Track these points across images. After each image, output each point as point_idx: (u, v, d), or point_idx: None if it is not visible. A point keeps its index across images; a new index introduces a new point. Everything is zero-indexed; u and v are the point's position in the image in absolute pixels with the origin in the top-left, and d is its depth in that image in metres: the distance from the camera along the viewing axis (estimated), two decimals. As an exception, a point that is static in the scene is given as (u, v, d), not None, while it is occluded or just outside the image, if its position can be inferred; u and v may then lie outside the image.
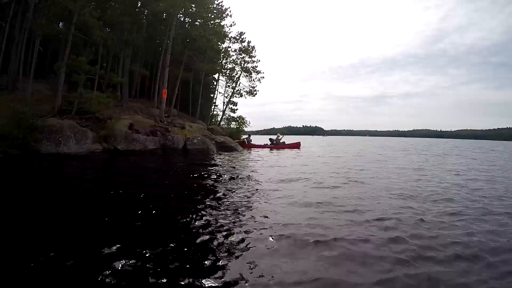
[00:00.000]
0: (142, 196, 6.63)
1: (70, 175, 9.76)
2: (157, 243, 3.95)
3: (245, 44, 33.47)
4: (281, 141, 29.69)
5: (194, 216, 5.19)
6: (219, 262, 3.53)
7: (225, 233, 4.47)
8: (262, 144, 29.44)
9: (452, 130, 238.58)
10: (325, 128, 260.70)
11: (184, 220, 5.05)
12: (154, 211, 5.48)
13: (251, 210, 5.87)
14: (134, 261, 3.39)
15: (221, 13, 29.01)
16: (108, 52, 22.85)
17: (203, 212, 5.49)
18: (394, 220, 5.31)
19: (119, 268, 3.22)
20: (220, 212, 5.54)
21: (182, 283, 3.02)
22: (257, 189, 7.79)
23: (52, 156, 13.40)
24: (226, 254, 3.79)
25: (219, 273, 3.26)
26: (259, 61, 34.26)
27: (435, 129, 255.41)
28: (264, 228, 4.70)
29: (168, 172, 11.20)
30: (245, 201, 6.51)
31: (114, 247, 3.73)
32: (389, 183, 9.28)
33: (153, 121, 19.49)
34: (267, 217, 5.31)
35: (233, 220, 5.09)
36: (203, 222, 4.95)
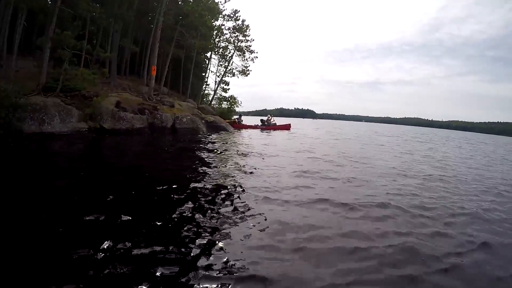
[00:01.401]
0: (120, 180, 6.44)
1: (49, 156, 9.58)
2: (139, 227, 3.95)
3: (239, 22, 32.67)
4: (272, 122, 29.86)
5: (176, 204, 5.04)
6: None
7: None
8: (253, 124, 29.88)
9: (443, 120, 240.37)
10: (317, 112, 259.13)
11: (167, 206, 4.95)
12: (139, 199, 5.34)
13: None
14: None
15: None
16: (98, 28, 22.14)
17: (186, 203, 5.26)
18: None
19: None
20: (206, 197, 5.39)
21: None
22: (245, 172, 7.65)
23: (35, 135, 12.94)
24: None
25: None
26: (253, 40, 33.62)
27: (426, 118, 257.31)
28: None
29: (151, 154, 10.97)
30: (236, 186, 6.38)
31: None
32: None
33: (141, 99, 19.03)
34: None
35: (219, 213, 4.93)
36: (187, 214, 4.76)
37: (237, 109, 33.73)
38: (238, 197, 5.69)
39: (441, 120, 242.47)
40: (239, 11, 32.49)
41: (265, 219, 4.66)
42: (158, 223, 4.22)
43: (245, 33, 32.96)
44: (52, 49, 16.09)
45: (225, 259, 3.37)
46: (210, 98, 35.32)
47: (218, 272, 3.13)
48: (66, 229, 3.90)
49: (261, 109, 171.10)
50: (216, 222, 4.41)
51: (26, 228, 3.86)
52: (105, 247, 3.41)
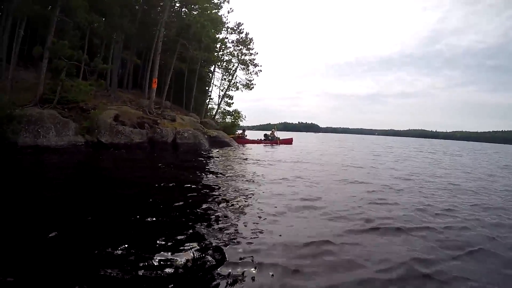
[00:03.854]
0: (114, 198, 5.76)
1: (40, 171, 8.97)
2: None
3: (243, 35, 32.45)
4: (275, 136, 30.03)
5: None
6: None
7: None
8: (257, 139, 29.64)
9: (448, 131, 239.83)
10: (321, 125, 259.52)
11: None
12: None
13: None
14: None
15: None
16: (102, 40, 21.73)
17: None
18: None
19: None
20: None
21: None
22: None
23: (30, 148, 12.35)
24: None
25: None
26: (257, 53, 33.18)
27: (430, 130, 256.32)
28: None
29: (146, 172, 10.19)
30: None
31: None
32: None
33: (141, 112, 18.35)
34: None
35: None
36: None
37: (241, 124, 33.27)
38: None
39: (445, 131, 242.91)
40: (242, 23, 32.33)
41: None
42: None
43: (249, 46, 32.68)
44: (51, 59, 15.58)
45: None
46: (214, 112, 34.74)
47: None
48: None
49: (265, 123, 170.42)
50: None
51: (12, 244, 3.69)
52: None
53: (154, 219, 4.80)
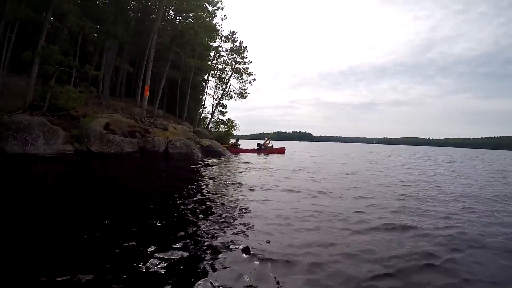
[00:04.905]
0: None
1: (24, 181, 8.60)
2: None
3: (236, 44, 32.49)
4: (269, 145, 30.06)
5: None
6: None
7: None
8: (250, 148, 29.51)
9: (440, 138, 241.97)
10: (314, 134, 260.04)
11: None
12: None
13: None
14: None
15: (213, 4, 28.03)
16: (96, 47, 21.50)
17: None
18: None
19: None
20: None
21: None
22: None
23: (17, 156, 12.06)
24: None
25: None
26: (251, 62, 33.19)
27: (423, 137, 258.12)
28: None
29: (139, 183, 9.92)
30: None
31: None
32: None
33: (132, 121, 18.05)
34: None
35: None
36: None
37: (235, 133, 33.14)
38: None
39: (438, 138, 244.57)
40: (236, 32, 32.38)
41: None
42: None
43: (242, 55, 32.68)
44: (42, 65, 15.30)
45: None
46: (207, 122, 34.50)
47: None
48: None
49: (259, 132, 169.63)
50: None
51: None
52: None
53: (143, 231, 4.65)
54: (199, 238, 4.41)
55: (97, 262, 3.47)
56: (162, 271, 3.30)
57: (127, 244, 4.00)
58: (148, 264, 3.44)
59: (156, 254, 3.71)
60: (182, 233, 4.55)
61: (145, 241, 4.12)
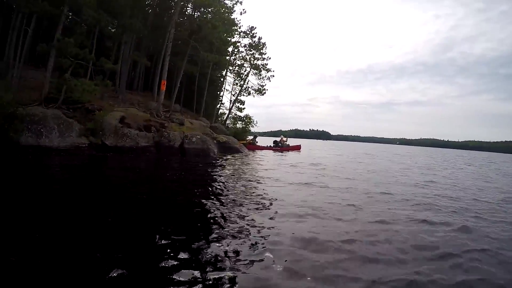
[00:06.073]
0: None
1: (36, 174, 8.35)
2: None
3: (255, 39, 31.81)
4: (285, 143, 30.42)
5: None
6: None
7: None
8: (267, 145, 29.61)
9: (459, 140, 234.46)
10: (332, 133, 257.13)
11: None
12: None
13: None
14: None
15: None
16: (114, 41, 21.34)
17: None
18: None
19: None
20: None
21: None
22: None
23: (31, 148, 11.83)
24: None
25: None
26: (270, 58, 32.53)
27: (442, 139, 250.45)
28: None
29: (153, 179, 9.52)
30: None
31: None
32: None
33: (148, 115, 17.70)
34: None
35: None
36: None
37: (252, 130, 32.63)
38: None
39: (457, 140, 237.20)
40: (255, 27, 31.71)
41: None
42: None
43: (261, 50, 32.02)
44: (58, 58, 15.10)
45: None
46: (225, 117, 34.10)
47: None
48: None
49: (276, 130, 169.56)
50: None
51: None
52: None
53: (156, 232, 4.34)
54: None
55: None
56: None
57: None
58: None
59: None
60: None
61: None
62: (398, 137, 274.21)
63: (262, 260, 3.72)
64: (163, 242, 3.97)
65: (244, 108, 33.65)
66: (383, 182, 11.28)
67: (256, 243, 4.24)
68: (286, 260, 3.74)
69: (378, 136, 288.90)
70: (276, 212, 5.94)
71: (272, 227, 4.98)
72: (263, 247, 4.10)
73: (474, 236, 5.20)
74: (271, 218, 5.50)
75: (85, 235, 4.10)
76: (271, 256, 3.83)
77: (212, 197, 6.84)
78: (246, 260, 3.69)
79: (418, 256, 4.17)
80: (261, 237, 4.50)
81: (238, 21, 30.39)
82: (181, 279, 3.12)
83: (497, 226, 5.99)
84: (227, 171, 11.65)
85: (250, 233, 4.62)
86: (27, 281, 2.88)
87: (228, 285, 3.11)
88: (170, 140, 16.10)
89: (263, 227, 4.97)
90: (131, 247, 3.84)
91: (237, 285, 3.11)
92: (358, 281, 3.36)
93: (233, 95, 33.82)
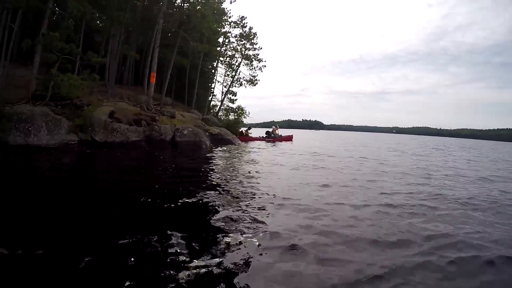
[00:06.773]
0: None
1: (22, 176, 8.08)
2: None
3: (246, 29, 31.54)
4: (277, 134, 30.19)
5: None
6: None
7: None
8: (259, 136, 29.50)
9: (452, 128, 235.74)
10: (325, 123, 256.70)
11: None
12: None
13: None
14: None
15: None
16: (102, 35, 21.00)
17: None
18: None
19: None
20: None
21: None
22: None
23: (20, 148, 11.56)
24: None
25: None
26: (261, 48, 32.29)
27: (434, 127, 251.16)
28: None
29: (144, 175, 9.40)
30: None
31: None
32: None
33: (138, 108, 17.48)
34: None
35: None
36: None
37: (245, 121, 32.48)
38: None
39: (450, 128, 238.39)
40: (246, 17, 31.39)
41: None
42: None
43: (252, 41, 31.81)
44: (44, 53, 14.78)
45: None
46: (217, 109, 33.91)
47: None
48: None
49: (269, 120, 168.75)
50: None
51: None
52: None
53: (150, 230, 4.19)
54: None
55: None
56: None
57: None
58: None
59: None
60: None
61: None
62: (391, 126, 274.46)
63: (259, 245, 3.82)
64: (155, 237, 3.92)
65: (236, 99, 33.62)
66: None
67: (250, 229, 4.35)
68: (285, 246, 3.83)
69: (371, 125, 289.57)
70: (269, 199, 6.09)
71: (267, 214, 5.12)
72: (257, 234, 4.20)
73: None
74: (262, 208, 5.55)
75: (75, 233, 4.02)
76: (268, 241, 3.95)
77: (204, 188, 6.90)
78: (240, 247, 3.74)
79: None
80: (256, 223, 4.61)
81: (228, 10, 30.17)
82: (173, 269, 3.10)
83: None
84: (219, 162, 11.65)
85: (245, 220, 4.73)
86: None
87: (219, 270, 3.15)
88: (161, 133, 15.96)
89: (256, 214, 5.06)
90: (124, 240, 3.79)
91: (232, 272, 3.14)
92: (354, 264, 3.46)
93: (225, 87, 33.75)
